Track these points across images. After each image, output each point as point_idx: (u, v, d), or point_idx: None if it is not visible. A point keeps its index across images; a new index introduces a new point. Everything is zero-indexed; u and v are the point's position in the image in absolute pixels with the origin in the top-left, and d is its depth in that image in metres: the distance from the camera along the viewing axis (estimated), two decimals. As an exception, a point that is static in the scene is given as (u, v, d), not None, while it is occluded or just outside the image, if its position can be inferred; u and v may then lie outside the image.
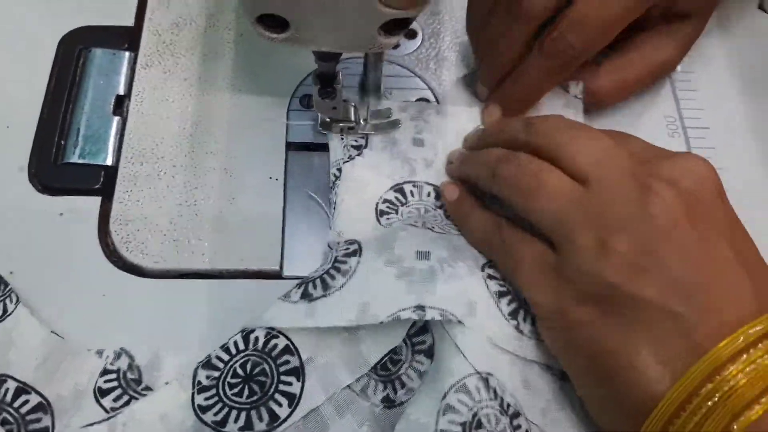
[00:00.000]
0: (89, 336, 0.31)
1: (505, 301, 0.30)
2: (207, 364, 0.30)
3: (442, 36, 0.41)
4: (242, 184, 0.35)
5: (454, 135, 0.37)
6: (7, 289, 0.31)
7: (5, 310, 0.31)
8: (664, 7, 0.36)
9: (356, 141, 0.36)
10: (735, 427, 0.23)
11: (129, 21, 0.40)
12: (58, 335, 0.31)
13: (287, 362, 0.30)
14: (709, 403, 0.23)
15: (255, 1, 0.26)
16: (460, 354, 0.28)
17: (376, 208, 0.35)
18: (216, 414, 0.29)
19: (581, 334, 0.27)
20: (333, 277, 0.30)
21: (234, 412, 0.29)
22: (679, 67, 0.40)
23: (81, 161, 0.36)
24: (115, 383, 0.30)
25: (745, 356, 0.24)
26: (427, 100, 0.39)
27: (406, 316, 0.28)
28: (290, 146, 0.37)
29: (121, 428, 0.29)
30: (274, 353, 0.30)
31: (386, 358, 0.30)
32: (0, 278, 0.32)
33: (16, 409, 0.29)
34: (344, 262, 0.31)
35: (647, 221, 0.26)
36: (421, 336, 0.30)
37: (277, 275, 0.34)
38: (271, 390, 0.29)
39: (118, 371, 0.30)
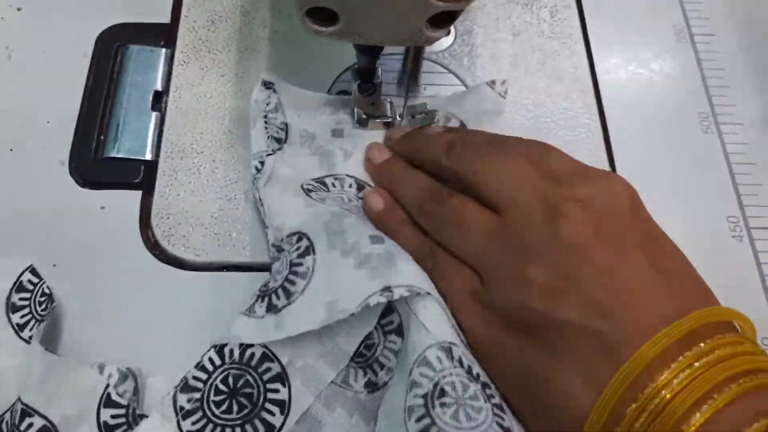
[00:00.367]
0: (132, 328, 0.32)
1: None
2: (185, 386, 0.28)
3: (475, 33, 0.41)
4: (281, 179, 0.36)
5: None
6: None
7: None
8: None
9: (277, 133, 0.35)
10: None
11: (165, 18, 0.40)
12: (53, 353, 0.30)
13: (269, 369, 0.29)
14: (645, 414, 0.23)
15: (306, -5, 0.27)
16: (422, 328, 0.28)
17: (303, 188, 0.34)
18: None
19: (512, 361, 0.27)
20: (293, 283, 0.30)
21: (228, 431, 0.28)
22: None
23: (121, 156, 0.36)
24: (122, 419, 0.29)
25: (674, 364, 0.23)
26: (462, 96, 0.39)
27: (375, 301, 0.27)
28: (327, 141, 0.37)
29: None
30: (253, 362, 0.29)
31: (361, 346, 0.30)
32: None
33: None
34: (300, 264, 0.30)
35: (559, 244, 0.26)
36: (389, 316, 0.30)
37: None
38: (261, 400, 0.28)
39: (126, 408, 0.29)
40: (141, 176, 0.36)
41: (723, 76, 0.41)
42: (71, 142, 0.36)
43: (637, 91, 0.40)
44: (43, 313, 0.31)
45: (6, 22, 0.40)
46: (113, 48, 0.39)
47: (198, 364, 0.29)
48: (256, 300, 0.30)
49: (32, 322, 0.31)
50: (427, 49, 0.40)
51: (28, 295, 0.32)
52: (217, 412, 0.28)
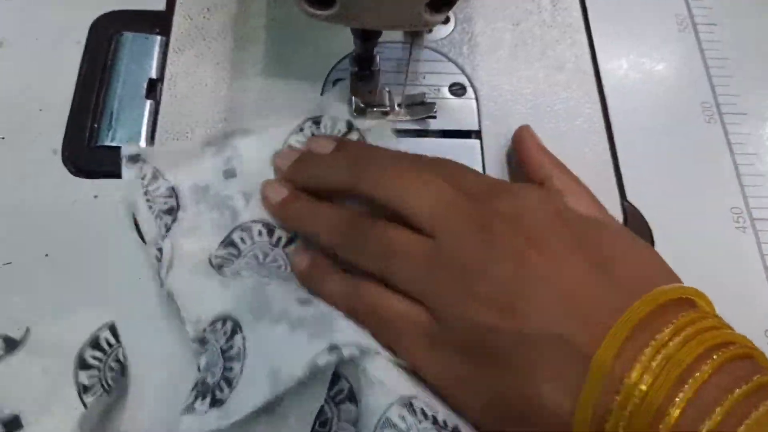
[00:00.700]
0: (126, 318, 0.31)
1: None
2: None
3: (475, 21, 0.41)
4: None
5: (267, 156, 0.34)
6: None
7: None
8: None
9: (165, 203, 0.32)
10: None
11: (160, 5, 0.40)
12: None
13: None
14: (629, 406, 0.22)
15: (302, -23, 0.26)
16: (376, 386, 0.26)
17: (212, 264, 0.31)
18: None
19: (481, 392, 0.26)
20: (230, 369, 0.27)
21: None
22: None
23: (115, 144, 0.35)
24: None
25: (647, 349, 0.23)
26: (461, 84, 0.38)
27: (324, 360, 0.26)
28: (324, 130, 0.37)
29: None
30: None
31: (316, 424, 0.27)
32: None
33: None
34: (231, 347, 0.28)
35: (497, 259, 0.26)
36: (337, 385, 0.27)
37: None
38: None
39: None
40: (135, 165, 0.35)
41: (726, 66, 0.40)
42: (64, 130, 0.36)
43: (639, 81, 0.40)
44: (111, 383, 0.29)
45: (-2, 9, 0.39)
46: (107, 35, 0.39)
47: None
48: (195, 398, 0.27)
49: (98, 387, 0.28)
50: (427, 37, 0.40)
51: (101, 355, 0.29)
52: None
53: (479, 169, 0.36)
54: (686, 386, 0.22)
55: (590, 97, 0.39)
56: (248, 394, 0.26)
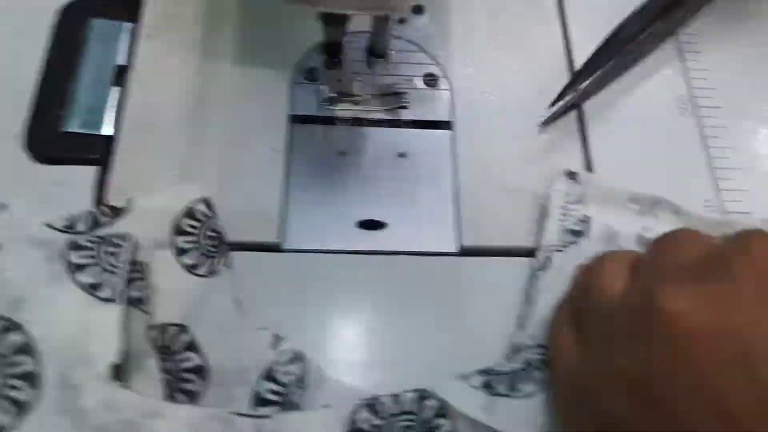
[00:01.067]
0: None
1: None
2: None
3: (449, 10, 0.40)
4: (243, 156, 0.35)
5: None
6: None
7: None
8: None
9: (575, 224, 0.33)
10: None
11: (130, -9, 0.39)
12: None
13: None
14: None
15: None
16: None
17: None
18: None
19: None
20: (519, 390, 0.29)
21: None
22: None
23: (79, 131, 0.35)
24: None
25: None
26: (434, 75, 0.38)
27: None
28: (294, 119, 0.36)
29: None
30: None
31: None
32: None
33: None
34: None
35: None
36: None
37: (276, 248, 0.33)
38: None
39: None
40: (100, 152, 0.34)
41: (700, 60, 0.40)
42: (28, 116, 0.35)
43: (614, 73, 0.39)
44: (212, 250, 0.30)
45: (-35, -7, 0.39)
46: (76, 21, 0.38)
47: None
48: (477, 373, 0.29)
49: (195, 252, 0.30)
50: (400, 27, 0.39)
51: (196, 223, 0.31)
52: None
53: (448, 160, 0.35)
54: None
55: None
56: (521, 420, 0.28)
